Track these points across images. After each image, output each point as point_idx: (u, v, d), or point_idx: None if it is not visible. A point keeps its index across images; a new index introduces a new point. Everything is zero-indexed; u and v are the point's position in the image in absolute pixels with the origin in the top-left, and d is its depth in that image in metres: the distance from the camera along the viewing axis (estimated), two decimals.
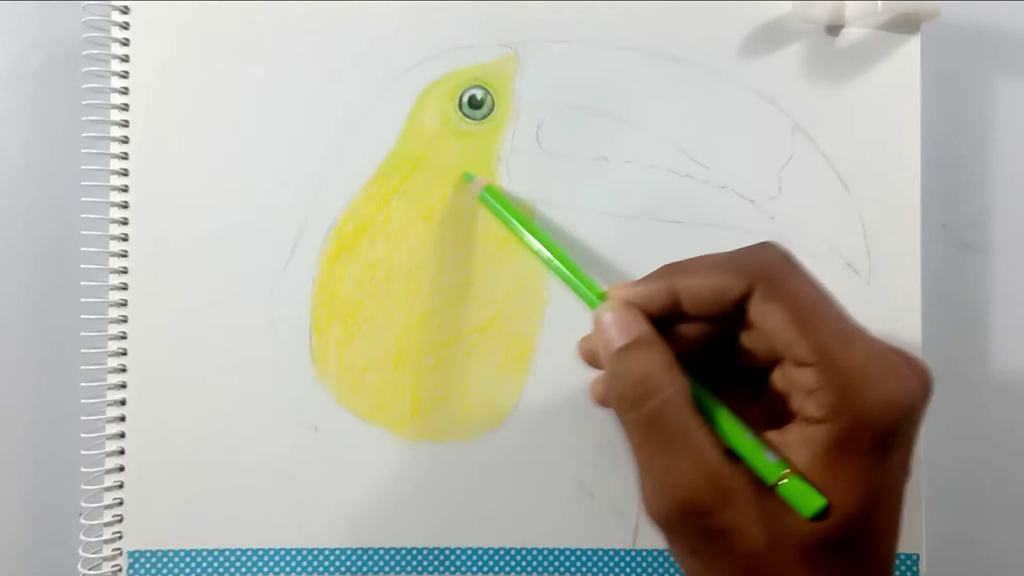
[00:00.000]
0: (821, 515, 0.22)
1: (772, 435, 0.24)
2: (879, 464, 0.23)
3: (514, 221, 0.32)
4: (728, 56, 0.34)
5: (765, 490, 0.23)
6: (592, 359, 0.28)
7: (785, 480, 0.23)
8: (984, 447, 0.38)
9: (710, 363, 0.27)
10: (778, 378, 0.26)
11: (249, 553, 0.34)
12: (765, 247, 0.25)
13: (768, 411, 0.26)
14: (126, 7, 0.34)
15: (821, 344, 0.23)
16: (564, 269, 0.29)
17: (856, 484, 0.22)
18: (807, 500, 0.22)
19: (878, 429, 0.22)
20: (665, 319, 0.26)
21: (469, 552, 0.34)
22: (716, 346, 0.26)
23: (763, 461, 0.23)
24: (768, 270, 0.24)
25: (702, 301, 0.25)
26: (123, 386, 0.34)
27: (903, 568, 0.33)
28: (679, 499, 0.23)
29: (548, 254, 0.30)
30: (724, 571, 0.23)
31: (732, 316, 0.25)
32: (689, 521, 0.23)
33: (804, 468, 0.23)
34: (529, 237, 0.31)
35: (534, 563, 0.34)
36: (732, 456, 0.24)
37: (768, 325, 0.24)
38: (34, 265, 0.38)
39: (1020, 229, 0.38)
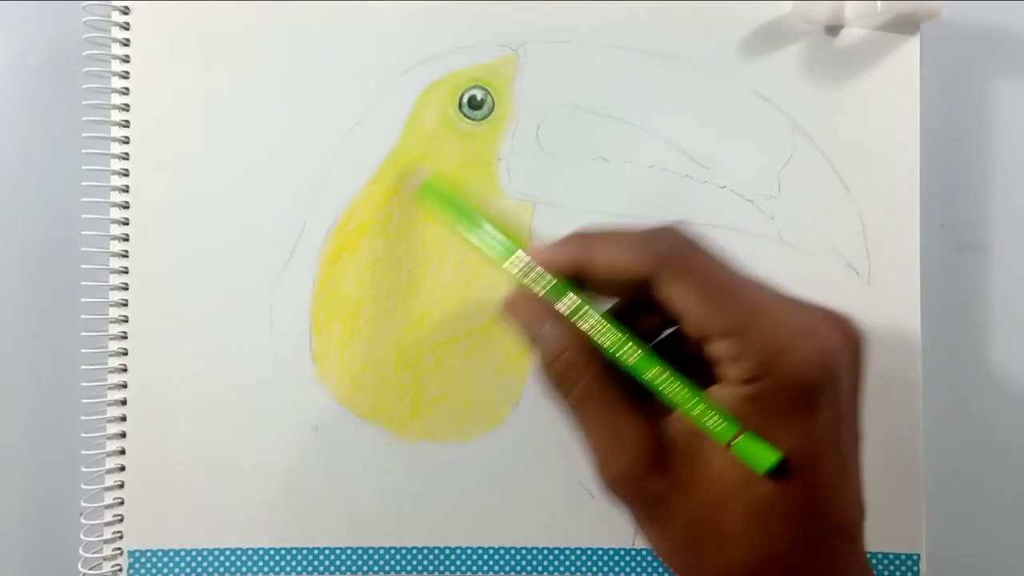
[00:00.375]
0: (779, 471, 0.23)
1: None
2: (804, 424, 0.23)
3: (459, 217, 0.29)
4: (728, 56, 0.34)
5: (701, 450, 0.24)
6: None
7: (738, 439, 0.23)
8: (984, 447, 0.38)
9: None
10: (690, 334, 0.26)
11: (249, 553, 0.34)
12: (669, 229, 0.26)
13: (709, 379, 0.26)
14: (126, 7, 0.34)
15: (732, 316, 0.23)
16: (488, 248, 0.27)
17: (781, 443, 0.23)
18: (761, 457, 0.23)
19: (797, 388, 0.23)
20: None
21: (469, 552, 0.34)
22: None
23: (714, 422, 0.24)
24: (673, 250, 0.25)
25: (609, 275, 0.25)
26: (123, 386, 0.34)
27: (903, 568, 0.33)
28: (615, 471, 0.24)
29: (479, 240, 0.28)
30: (674, 534, 0.24)
31: (642, 295, 0.25)
32: (629, 490, 0.24)
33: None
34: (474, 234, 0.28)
35: (534, 563, 0.34)
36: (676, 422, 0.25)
37: (679, 305, 0.24)
38: (34, 265, 0.38)
39: (1019, 229, 0.38)
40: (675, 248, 0.25)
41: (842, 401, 0.24)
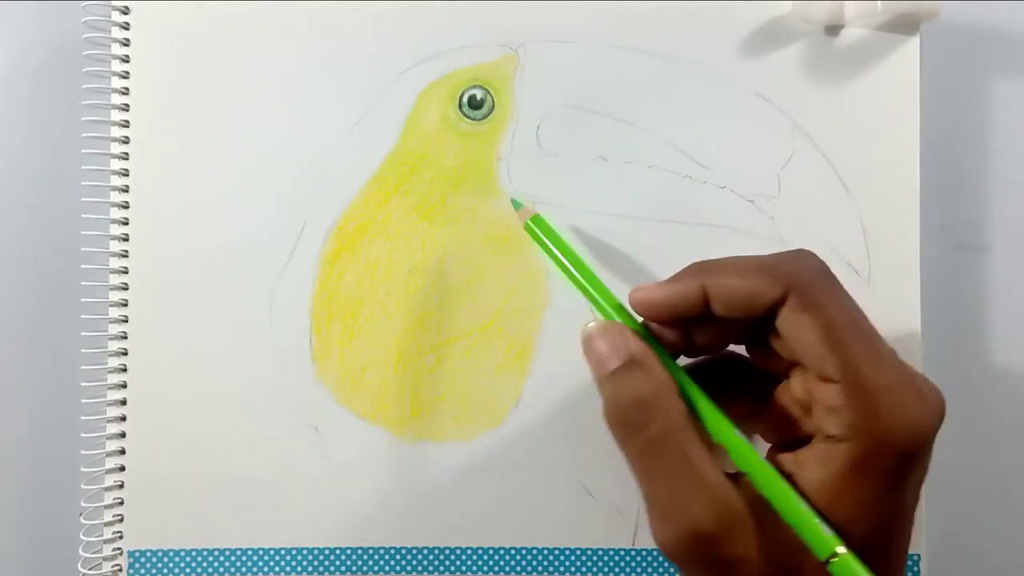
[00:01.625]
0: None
1: (785, 455, 0.24)
2: (897, 488, 0.22)
3: (557, 252, 0.30)
4: (728, 56, 0.34)
5: (772, 515, 0.23)
6: None
7: (837, 558, 0.22)
8: (984, 446, 0.38)
9: (716, 371, 0.26)
10: (790, 391, 0.25)
11: (249, 553, 0.34)
12: (802, 255, 0.25)
13: (773, 425, 0.25)
14: (126, 7, 0.34)
15: (850, 362, 0.22)
16: (601, 302, 0.27)
17: (873, 509, 0.22)
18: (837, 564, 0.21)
19: (900, 452, 0.22)
20: (686, 320, 0.25)
21: (469, 552, 0.34)
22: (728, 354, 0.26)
23: (816, 531, 0.22)
24: (804, 279, 0.23)
25: (733, 303, 0.24)
26: (123, 386, 0.34)
27: None
28: (685, 529, 0.22)
29: (588, 287, 0.28)
30: None
31: (759, 321, 0.24)
32: (697, 551, 0.22)
33: (820, 487, 0.22)
34: (570, 268, 0.29)
35: (534, 563, 0.34)
36: (732, 477, 0.24)
37: (798, 336, 0.23)
38: (34, 265, 0.38)
39: (1019, 229, 0.38)
40: (806, 276, 0.24)
41: (925, 473, 0.23)
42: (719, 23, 0.34)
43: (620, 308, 0.27)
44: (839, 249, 0.34)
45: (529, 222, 0.31)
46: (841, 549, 0.22)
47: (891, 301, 0.34)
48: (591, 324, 0.26)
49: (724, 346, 0.26)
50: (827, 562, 0.22)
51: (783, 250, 0.25)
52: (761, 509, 0.23)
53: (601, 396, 0.25)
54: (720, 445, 0.24)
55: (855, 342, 0.23)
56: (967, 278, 0.38)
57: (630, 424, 0.24)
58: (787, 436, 0.25)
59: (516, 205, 0.32)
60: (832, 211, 0.34)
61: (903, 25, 0.34)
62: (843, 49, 0.34)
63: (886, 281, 0.34)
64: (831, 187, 0.34)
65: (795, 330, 0.23)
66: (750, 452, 0.23)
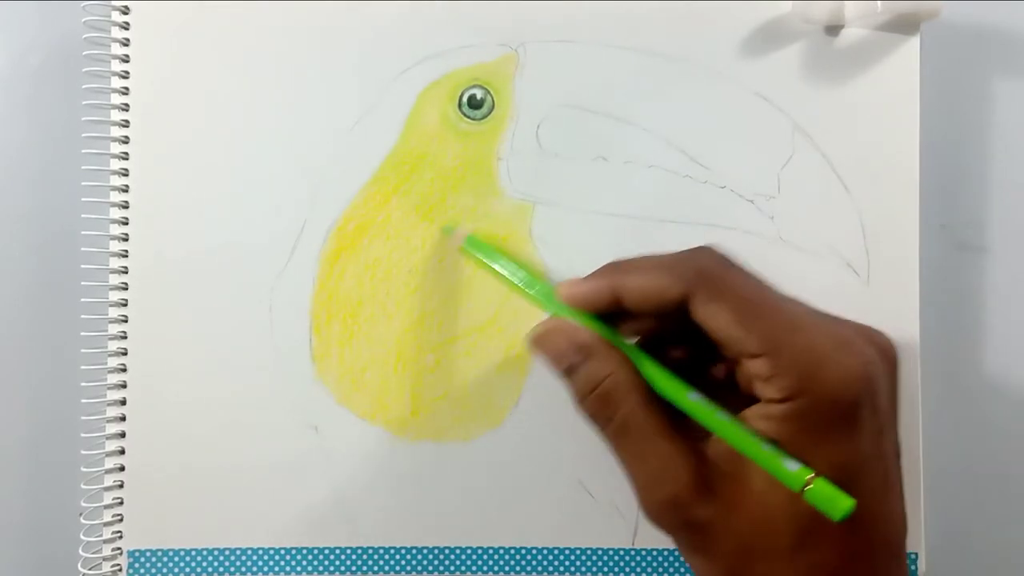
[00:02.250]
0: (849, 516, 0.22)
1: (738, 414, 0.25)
2: (847, 439, 0.23)
3: (494, 265, 0.31)
4: (728, 56, 0.34)
5: (745, 473, 0.24)
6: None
7: (811, 486, 0.22)
8: (982, 446, 0.38)
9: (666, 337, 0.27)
10: (738, 372, 0.26)
11: (249, 553, 0.34)
12: (703, 250, 0.26)
13: (740, 399, 0.26)
14: (126, 7, 0.34)
15: (767, 334, 0.23)
16: (542, 299, 0.28)
17: (828, 459, 0.23)
18: (835, 502, 0.22)
19: (838, 403, 0.23)
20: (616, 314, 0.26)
21: (469, 552, 0.34)
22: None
23: (783, 470, 0.23)
24: (706, 272, 0.25)
25: (643, 301, 0.25)
26: (123, 386, 0.34)
27: None
28: (660, 499, 0.24)
29: (527, 289, 0.29)
30: (721, 559, 0.24)
31: (677, 316, 0.25)
32: (674, 517, 0.24)
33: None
34: (509, 277, 0.30)
35: (534, 563, 0.34)
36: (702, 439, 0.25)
37: (713, 325, 0.24)
38: (34, 265, 0.38)
39: (1019, 229, 0.38)
40: (708, 269, 0.25)
41: (881, 415, 0.24)
42: (719, 23, 0.34)
43: (550, 297, 0.28)
44: (839, 249, 0.34)
45: (464, 245, 0.32)
46: (811, 477, 0.22)
47: (890, 301, 0.34)
48: (538, 324, 0.27)
49: (655, 333, 0.27)
50: (803, 492, 0.22)
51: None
52: (730, 463, 0.24)
53: (568, 389, 0.26)
54: (684, 410, 0.25)
55: (766, 314, 0.24)
56: (967, 278, 0.38)
57: (599, 415, 0.25)
58: (741, 398, 0.26)
59: (447, 232, 0.33)
60: (832, 211, 0.34)
61: (903, 25, 0.34)
62: (843, 49, 0.34)
63: (886, 281, 0.34)
64: (831, 187, 0.34)
65: (709, 319, 0.24)
66: (709, 411, 0.25)
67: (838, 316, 0.25)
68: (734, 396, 0.25)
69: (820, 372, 0.23)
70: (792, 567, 0.23)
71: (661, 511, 0.24)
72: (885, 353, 0.25)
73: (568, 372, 0.26)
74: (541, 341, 0.27)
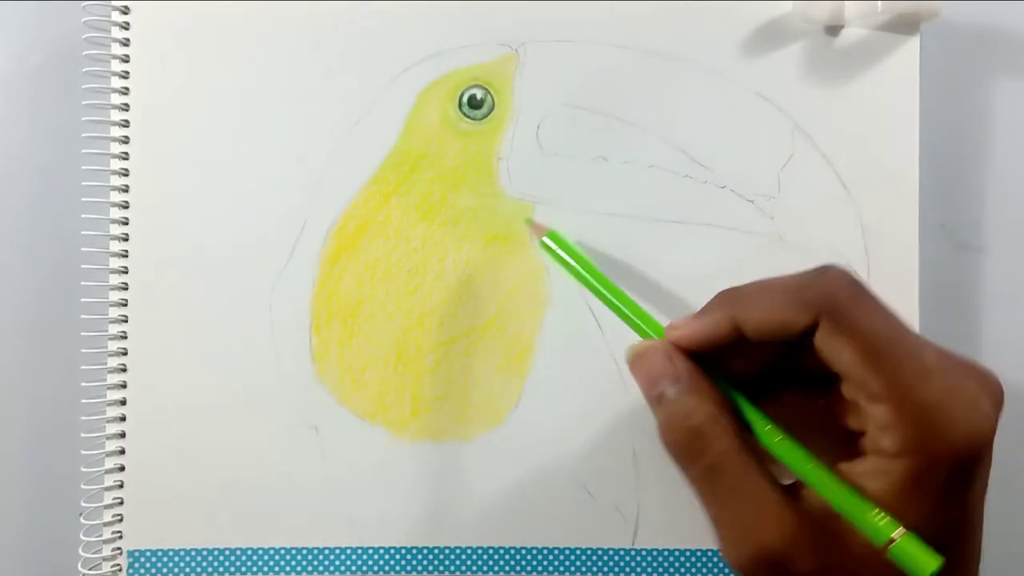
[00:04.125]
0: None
1: (843, 465, 0.23)
2: (960, 496, 0.22)
3: (577, 267, 0.30)
4: (728, 56, 0.34)
5: (838, 523, 0.22)
6: None
7: (897, 541, 0.21)
8: None
9: (769, 375, 0.26)
10: (841, 398, 0.25)
11: (249, 553, 0.34)
12: (830, 272, 0.24)
13: (828, 433, 0.25)
14: (126, 7, 0.34)
15: (893, 381, 0.22)
16: (627, 312, 0.28)
17: (936, 519, 0.22)
18: (921, 561, 0.21)
19: (958, 463, 0.22)
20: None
21: (469, 552, 0.34)
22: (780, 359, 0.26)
23: (871, 520, 0.22)
24: (835, 300, 0.23)
25: (765, 332, 0.24)
26: (123, 386, 0.34)
27: None
28: (753, 551, 0.22)
29: (611, 298, 0.29)
30: None
31: (798, 340, 0.24)
32: (768, 571, 0.22)
33: (879, 499, 0.22)
34: (592, 282, 0.30)
35: (534, 563, 0.34)
36: (792, 488, 0.23)
37: (836, 359, 0.23)
38: (34, 265, 0.38)
39: (1018, 229, 0.38)
40: (837, 296, 0.23)
41: (989, 469, 0.23)
42: (719, 23, 0.34)
43: (660, 329, 0.27)
44: (839, 249, 0.34)
45: (546, 239, 0.31)
46: (899, 532, 0.21)
47: (890, 300, 0.34)
48: (638, 343, 0.26)
49: (769, 363, 0.26)
50: (887, 549, 0.21)
51: (809, 268, 0.25)
52: (826, 517, 0.23)
53: (655, 417, 0.25)
54: (775, 456, 0.24)
55: (896, 360, 0.22)
56: (966, 278, 0.38)
57: (687, 451, 0.24)
58: (843, 444, 0.25)
59: (529, 222, 0.33)
60: (832, 211, 0.34)
61: (903, 25, 0.34)
62: (843, 49, 0.34)
63: (885, 280, 0.34)
64: (831, 187, 0.34)
65: (833, 353, 0.23)
66: (803, 457, 0.23)
67: (960, 357, 0.23)
68: (838, 440, 0.24)
69: (943, 430, 0.21)
70: None
71: (754, 563, 0.22)
72: (996, 402, 0.23)
73: (659, 399, 0.24)
74: (637, 362, 0.25)
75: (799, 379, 0.26)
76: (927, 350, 0.23)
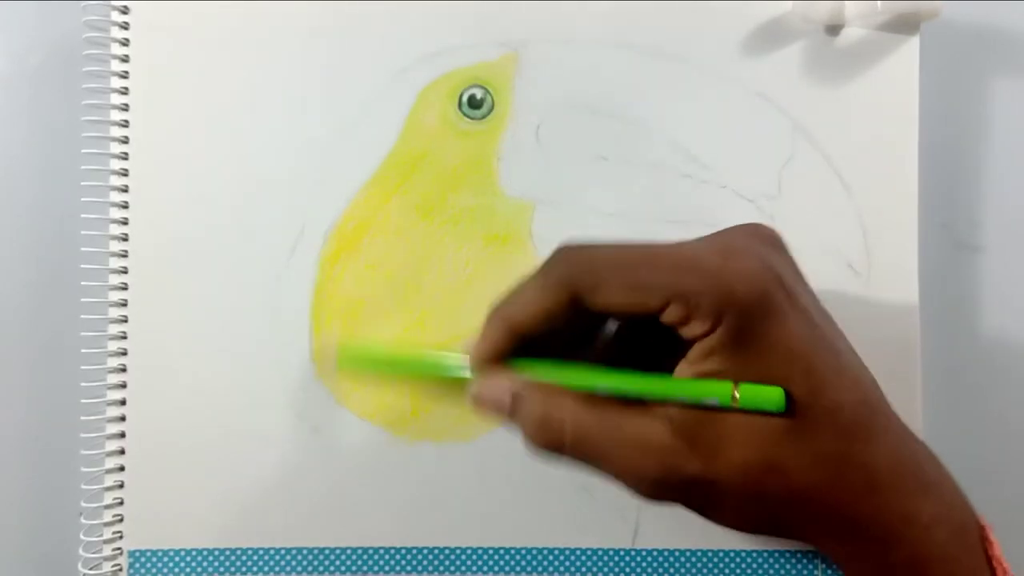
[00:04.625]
0: (788, 403, 0.23)
1: (683, 365, 0.25)
2: (779, 329, 0.23)
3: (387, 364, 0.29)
4: (728, 56, 0.34)
5: (712, 424, 0.24)
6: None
7: (738, 392, 0.23)
8: (982, 445, 0.38)
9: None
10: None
11: (249, 553, 0.34)
12: (560, 252, 0.25)
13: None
14: (126, 7, 0.34)
15: (663, 284, 0.23)
16: (451, 367, 0.28)
17: (762, 363, 0.23)
18: (767, 396, 0.23)
19: (754, 305, 0.23)
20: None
21: (469, 552, 0.34)
22: None
23: (710, 390, 0.23)
24: (576, 265, 0.25)
25: (539, 328, 0.25)
26: (123, 386, 0.34)
27: None
28: (648, 474, 0.24)
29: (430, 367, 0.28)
30: (734, 508, 0.24)
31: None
32: (670, 484, 0.24)
33: (712, 375, 0.24)
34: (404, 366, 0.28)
35: (534, 563, 0.34)
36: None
37: (610, 302, 0.24)
38: (34, 265, 0.38)
39: (1018, 229, 0.38)
40: (575, 261, 0.25)
41: (800, 296, 0.24)
42: (719, 23, 0.34)
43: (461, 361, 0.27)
44: (839, 249, 0.34)
45: (340, 363, 0.29)
46: (736, 389, 0.23)
47: (890, 300, 0.34)
48: (471, 386, 0.27)
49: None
50: (736, 403, 0.23)
51: (546, 262, 0.26)
52: (699, 423, 0.24)
53: (525, 438, 0.26)
54: (603, 392, 0.25)
55: (655, 266, 0.24)
56: (966, 277, 0.38)
57: (550, 444, 0.25)
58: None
59: (320, 357, 0.33)
60: (832, 211, 0.34)
61: (903, 25, 0.34)
62: (843, 49, 0.34)
63: (885, 280, 0.34)
64: (831, 187, 0.34)
65: (605, 301, 0.24)
66: (628, 379, 0.25)
67: (712, 234, 0.25)
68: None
69: (728, 288, 0.23)
70: (792, 479, 0.23)
71: (656, 484, 0.24)
72: (771, 240, 0.25)
73: (511, 418, 0.26)
74: (477, 403, 0.27)
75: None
76: (680, 246, 0.25)
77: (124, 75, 0.34)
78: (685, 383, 0.24)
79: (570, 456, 0.25)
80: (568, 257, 0.25)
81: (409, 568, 0.34)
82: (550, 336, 0.25)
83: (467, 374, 0.27)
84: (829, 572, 0.33)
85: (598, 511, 0.34)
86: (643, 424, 0.24)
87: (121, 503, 0.34)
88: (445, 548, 0.34)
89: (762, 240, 0.25)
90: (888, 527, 0.24)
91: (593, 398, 0.25)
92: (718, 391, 0.23)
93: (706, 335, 0.23)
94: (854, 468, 0.24)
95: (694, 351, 0.24)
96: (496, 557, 0.34)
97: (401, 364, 0.28)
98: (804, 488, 0.23)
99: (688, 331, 0.24)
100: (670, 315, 0.23)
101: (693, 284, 0.23)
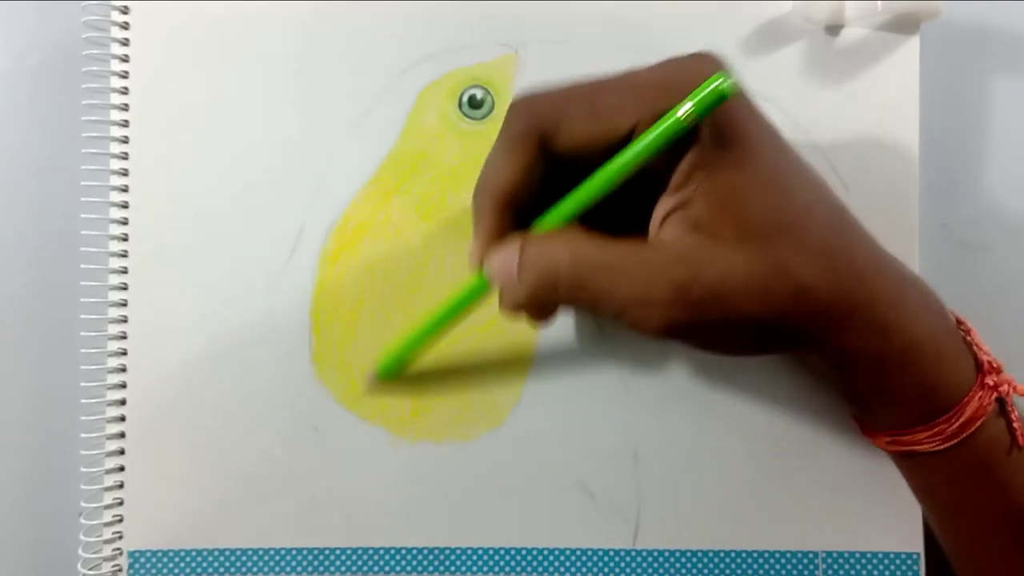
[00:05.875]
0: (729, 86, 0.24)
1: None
2: (746, 135, 0.25)
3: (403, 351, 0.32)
4: (728, 56, 0.34)
5: (707, 242, 0.25)
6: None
7: (688, 106, 0.24)
8: None
9: None
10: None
11: (249, 553, 0.34)
12: (521, 103, 0.26)
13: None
14: (126, 7, 0.34)
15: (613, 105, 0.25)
16: (451, 314, 0.30)
17: (741, 171, 0.25)
18: (714, 84, 0.24)
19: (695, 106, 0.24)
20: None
21: (469, 552, 0.34)
22: None
23: (669, 122, 0.24)
24: (539, 114, 0.26)
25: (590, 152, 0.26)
26: (123, 386, 0.34)
27: (903, 568, 0.33)
28: (660, 307, 0.24)
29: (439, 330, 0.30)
30: (746, 310, 0.24)
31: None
32: (690, 311, 0.24)
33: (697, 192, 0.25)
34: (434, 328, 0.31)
35: (534, 563, 0.34)
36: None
37: (576, 141, 0.25)
38: (34, 265, 0.38)
39: (1019, 228, 0.38)
40: (535, 110, 0.26)
41: (743, 106, 0.26)
42: (719, 23, 0.34)
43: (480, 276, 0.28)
44: None
45: (379, 377, 0.33)
46: (687, 103, 0.24)
47: None
48: (485, 270, 0.27)
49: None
50: (689, 114, 0.24)
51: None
52: (702, 244, 0.25)
53: (521, 297, 0.26)
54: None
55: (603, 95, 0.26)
56: (967, 277, 0.38)
57: (552, 289, 0.25)
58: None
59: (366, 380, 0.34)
60: None
61: (903, 25, 0.34)
62: (843, 49, 0.34)
63: None
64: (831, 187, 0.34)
65: (575, 142, 0.25)
66: (600, 177, 0.25)
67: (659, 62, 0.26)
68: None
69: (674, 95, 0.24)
70: (795, 283, 0.24)
71: (667, 306, 0.24)
72: (717, 61, 0.26)
73: (519, 277, 0.26)
74: (492, 272, 0.27)
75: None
76: (655, 68, 0.26)
77: (124, 75, 0.34)
78: (646, 142, 0.24)
79: (575, 293, 0.25)
80: (525, 105, 0.26)
81: (409, 568, 0.34)
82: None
83: (484, 286, 0.28)
84: (829, 572, 0.33)
85: (598, 511, 0.34)
86: (648, 249, 0.25)
87: (121, 503, 0.34)
88: (445, 548, 0.34)
89: (711, 61, 0.26)
90: (883, 314, 0.25)
91: (593, 236, 0.25)
92: (676, 122, 0.24)
93: (683, 185, 0.24)
94: (844, 262, 0.25)
95: (676, 177, 0.25)
96: (496, 557, 0.34)
97: (426, 330, 0.30)
98: (807, 283, 0.24)
99: (669, 195, 0.25)
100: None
101: (659, 98, 0.24)
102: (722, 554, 0.34)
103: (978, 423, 0.26)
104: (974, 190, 0.38)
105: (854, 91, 0.34)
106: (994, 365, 0.27)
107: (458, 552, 0.34)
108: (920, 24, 0.34)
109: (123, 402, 0.34)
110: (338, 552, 0.34)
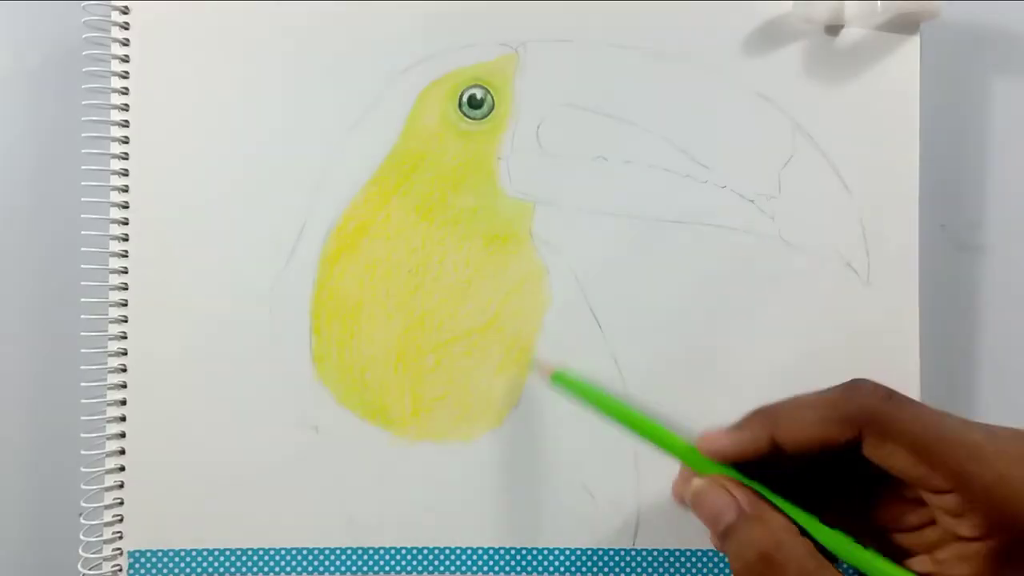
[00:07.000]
0: None
1: (924, 557, 0.24)
2: None
3: (590, 401, 0.30)
4: (728, 56, 0.34)
5: None
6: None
7: None
8: None
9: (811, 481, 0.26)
10: (898, 490, 0.26)
11: (249, 553, 0.34)
12: (860, 387, 0.25)
13: (889, 523, 0.26)
14: (126, 7, 0.34)
15: (954, 471, 0.23)
16: (650, 436, 0.28)
17: None
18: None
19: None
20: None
21: (469, 552, 0.34)
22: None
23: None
24: (872, 410, 0.24)
25: (805, 448, 0.24)
26: (123, 386, 0.34)
27: None
28: None
29: (634, 420, 0.28)
30: None
31: (840, 453, 0.24)
32: None
33: None
34: (611, 411, 0.29)
35: (534, 563, 0.34)
36: None
37: (891, 464, 0.24)
38: (34, 265, 0.38)
39: (1018, 229, 0.38)
40: (873, 407, 0.24)
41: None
42: (720, 23, 0.34)
43: (693, 451, 0.26)
44: (839, 249, 0.34)
45: (553, 378, 0.30)
46: None
47: (890, 301, 0.34)
48: (696, 481, 0.26)
49: (807, 469, 0.26)
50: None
51: (838, 384, 0.25)
52: None
53: (726, 553, 0.25)
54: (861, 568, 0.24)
55: (949, 450, 0.23)
56: (966, 278, 0.38)
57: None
58: (905, 529, 0.26)
59: (533, 365, 0.33)
60: (832, 211, 0.34)
61: (903, 25, 0.34)
62: (843, 49, 0.34)
63: (885, 280, 0.34)
64: (831, 187, 0.34)
65: (886, 459, 0.24)
66: (880, 563, 0.24)
67: (1004, 427, 0.24)
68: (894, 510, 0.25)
69: (1015, 505, 0.22)
70: None
71: None
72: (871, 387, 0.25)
73: (724, 534, 0.25)
74: (697, 501, 0.25)
75: (838, 485, 0.27)
76: (978, 434, 0.24)
77: (124, 75, 0.34)
78: None
79: None
80: (870, 397, 0.24)
81: (409, 568, 0.34)
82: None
83: (686, 457, 0.27)
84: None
85: (598, 511, 0.34)
86: None
87: (121, 503, 0.34)
88: (445, 548, 0.34)
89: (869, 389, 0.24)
90: None
91: (816, 550, 0.24)
92: None
93: (968, 539, 0.23)
94: None
95: (947, 551, 0.23)
96: (496, 557, 0.34)
97: (617, 412, 0.28)
98: None
99: (953, 525, 0.23)
100: (945, 503, 0.23)
101: (984, 486, 0.22)
102: (722, 554, 0.34)
103: None
104: (974, 190, 0.38)
105: (854, 91, 0.34)
106: None
107: (458, 552, 0.34)
108: (920, 24, 0.34)
109: (123, 402, 0.34)
110: (338, 552, 0.34)
